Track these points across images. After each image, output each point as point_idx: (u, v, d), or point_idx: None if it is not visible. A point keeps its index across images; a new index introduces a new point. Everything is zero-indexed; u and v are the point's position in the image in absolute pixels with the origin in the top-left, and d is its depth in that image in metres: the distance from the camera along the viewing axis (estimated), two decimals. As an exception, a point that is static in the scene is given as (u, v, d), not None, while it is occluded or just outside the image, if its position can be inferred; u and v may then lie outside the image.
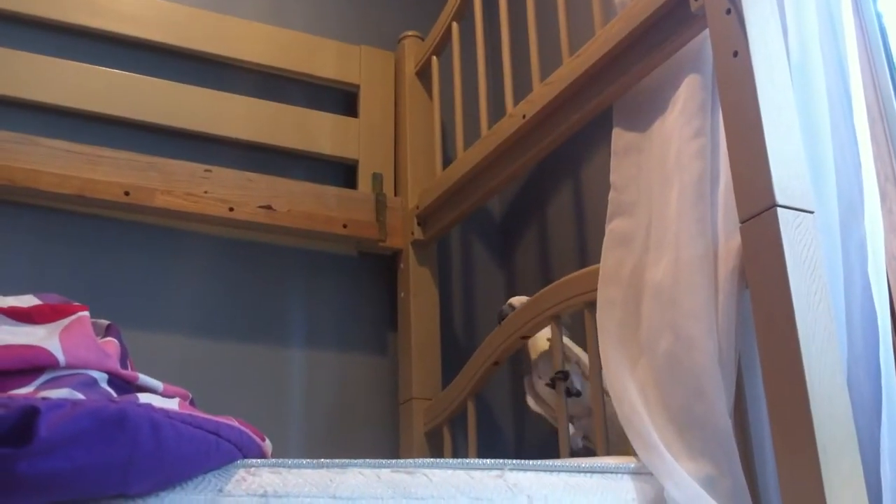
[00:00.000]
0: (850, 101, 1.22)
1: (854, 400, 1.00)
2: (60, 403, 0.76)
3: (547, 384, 1.46)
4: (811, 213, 1.02)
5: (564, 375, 1.38)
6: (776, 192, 1.00)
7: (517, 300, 1.54)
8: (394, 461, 0.95)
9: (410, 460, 0.96)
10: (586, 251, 1.77)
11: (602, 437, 1.26)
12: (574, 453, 1.40)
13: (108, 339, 1.10)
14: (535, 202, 1.98)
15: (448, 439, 1.68)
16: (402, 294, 1.88)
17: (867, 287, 1.14)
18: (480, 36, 1.80)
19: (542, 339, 1.48)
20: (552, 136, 1.50)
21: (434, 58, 1.97)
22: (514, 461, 1.01)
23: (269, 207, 1.79)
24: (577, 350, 1.43)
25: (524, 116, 1.53)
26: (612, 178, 1.37)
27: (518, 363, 1.93)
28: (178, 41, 1.87)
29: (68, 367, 0.94)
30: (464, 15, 1.88)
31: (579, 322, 1.38)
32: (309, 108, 1.97)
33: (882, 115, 1.31)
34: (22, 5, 1.74)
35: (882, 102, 1.32)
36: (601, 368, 1.25)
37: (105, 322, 1.15)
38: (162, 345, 1.69)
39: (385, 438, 1.83)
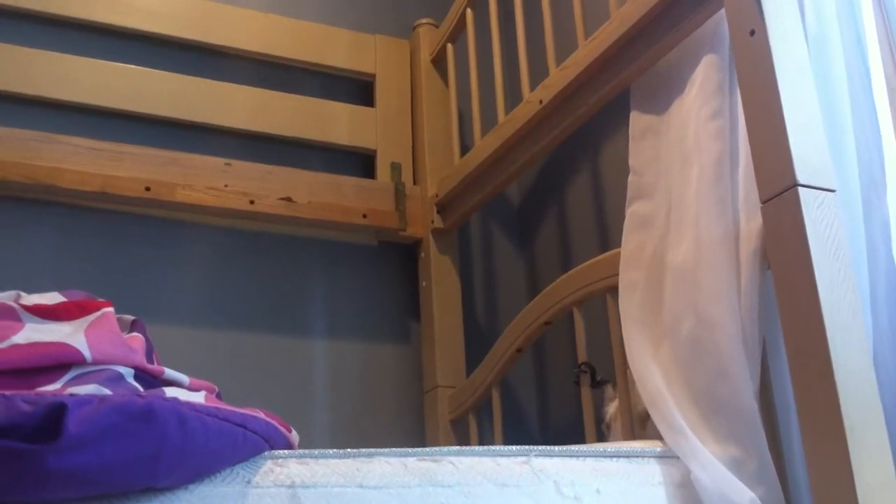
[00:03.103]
0: (868, 76, 1.21)
1: (880, 379, 0.99)
2: (88, 399, 0.76)
3: (575, 382, 1.45)
4: (833, 191, 1.01)
5: (588, 368, 1.39)
6: (797, 172, 0.99)
7: None
8: (420, 449, 0.95)
9: (436, 448, 0.96)
10: (607, 235, 1.77)
11: (627, 427, 1.26)
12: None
13: (134, 334, 1.11)
14: (553, 187, 1.97)
15: (473, 427, 1.69)
16: (424, 283, 1.88)
17: (891, 264, 1.13)
18: (495, 22, 1.79)
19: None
20: (569, 120, 1.50)
21: (449, 45, 1.96)
22: (540, 447, 1.01)
23: (289, 199, 1.79)
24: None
25: (541, 102, 1.53)
26: (631, 161, 1.36)
27: (541, 349, 1.94)
28: (194, 35, 1.88)
29: (95, 363, 0.95)
30: (478, 1, 1.87)
31: (601, 306, 1.38)
32: (325, 99, 1.97)
33: (902, 90, 1.29)
34: (40, 4, 1.75)
35: (902, 77, 1.30)
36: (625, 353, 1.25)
37: (130, 317, 1.16)
38: (186, 339, 1.71)
39: (410, 427, 1.84)
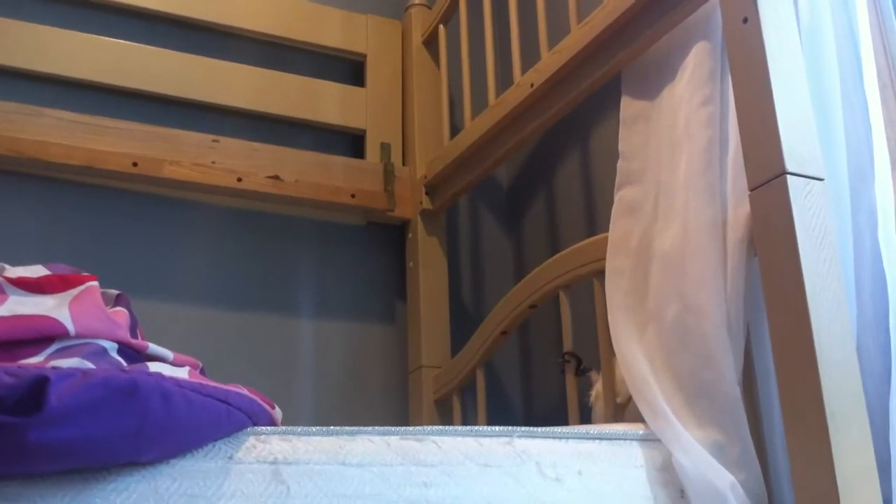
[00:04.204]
0: (860, 67, 1.21)
1: (863, 367, 1.00)
2: (71, 373, 0.76)
3: (560, 371, 1.45)
4: (821, 180, 1.01)
5: (573, 357, 1.39)
6: (786, 160, 1.00)
7: None
8: (403, 428, 0.95)
9: (419, 427, 0.96)
10: (595, 220, 1.77)
11: (610, 410, 1.27)
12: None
13: (118, 308, 1.10)
14: (543, 171, 1.97)
15: (457, 407, 1.69)
16: (411, 263, 1.88)
17: (877, 254, 1.13)
18: (488, 4, 1.78)
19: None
20: (560, 104, 1.49)
21: (441, 27, 1.96)
22: (523, 428, 1.01)
23: (276, 178, 1.79)
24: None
25: (532, 85, 1.53)
26: (621, 146, 1.36)
27: (526, 332, 1.94)
28: (184, 11, 1.86)
29: (78, 336, 0.95)
30: (471, -17, 1.87)
31: (587, 290, 1.38)
32: (316, 78, 1.96)
33: (892, 81, 1.29)
34: (27, -25, 1.73)
35: (892, 67, 1.30)
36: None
37: (114, 292, 1.16)
38: (171, 314, 1.70)
39: (394, 406, 1.84)
